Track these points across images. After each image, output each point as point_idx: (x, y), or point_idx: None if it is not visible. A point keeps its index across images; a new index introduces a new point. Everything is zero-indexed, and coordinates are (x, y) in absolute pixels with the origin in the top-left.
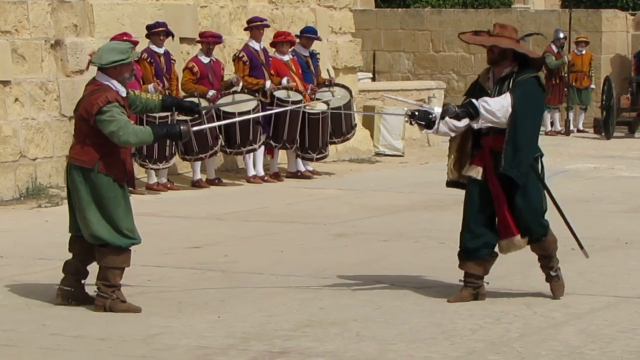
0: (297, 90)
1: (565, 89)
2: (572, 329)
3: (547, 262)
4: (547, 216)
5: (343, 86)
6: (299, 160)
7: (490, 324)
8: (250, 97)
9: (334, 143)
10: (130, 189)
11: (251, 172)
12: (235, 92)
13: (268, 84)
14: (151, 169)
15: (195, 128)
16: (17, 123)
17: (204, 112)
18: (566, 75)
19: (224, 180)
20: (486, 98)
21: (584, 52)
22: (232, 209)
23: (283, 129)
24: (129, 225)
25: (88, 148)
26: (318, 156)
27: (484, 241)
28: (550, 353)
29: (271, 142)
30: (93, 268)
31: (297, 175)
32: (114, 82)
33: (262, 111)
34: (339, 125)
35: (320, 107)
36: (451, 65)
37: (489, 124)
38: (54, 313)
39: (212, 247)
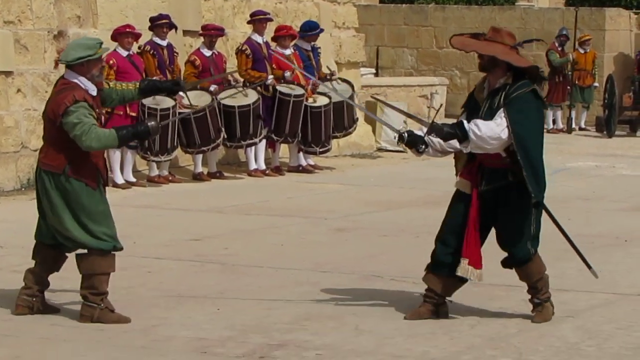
0: (299, 85)
1: (568, 87)
2: (570, 325)
3: (532, 292)
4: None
5: (345, 80)
6: (301, 155)
7: (488, 320)
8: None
9: (336, 137)
10: (131, 182)
11: (252, 165)
12: (237, 86)
13: (270, 78)
14: (153, 161)
15: (162, 123)
16: (19, 114)
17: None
18: (570, 73)
19: (226, 174)
20: (478, 121)
21: (587, 50)
22: (233, 202)
23: (285, 123)
24: (108, 230)
25: (57, 151)
26: (321, 150)
27: (450, 259)
28: (548, 349)
29: (273, 135)
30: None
31: (298, 169)
32: (83, 79)
33: (263, 105)
34: (341, 119)
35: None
36: (454, 61)
37: (478, 151)
38: (53, 303)
39: (212, 239)
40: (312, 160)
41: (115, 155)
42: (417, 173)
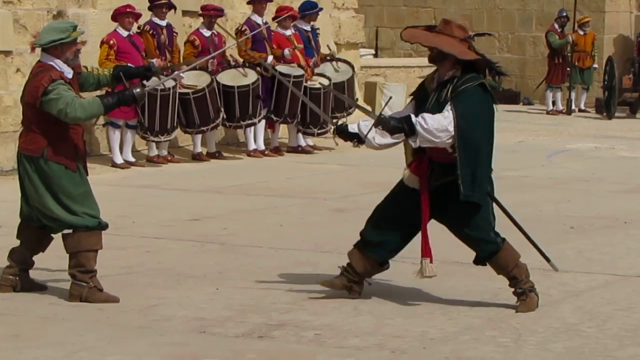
0: (299, 65)
1: (568, 69)
2: (569, 306)
3: (512, 283)
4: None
5: (345, 61)
6: (300, 135)
7: (487, 301)
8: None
9: (336, 118)
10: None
11: (252, 146)
12: (236, 66)
13: (270, 58)
14: (152, 141)
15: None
16: (18, 93)
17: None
18: (569, 54)
19: (225, 154)
20: (425, 115)
21: (587, 31)
22: (232, 182)
23: (284, 104)
24: (90, 210)
25: (35, 135)
26: (320, 131)
27: (381, 241)
28: (546, 330)
29: (272, 116)
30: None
31: (297, 150)
32: (58, 62)
33: (263, 85)
34: (340, 100)
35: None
36: None
37: (429, 144)
38: (53, 283)
39: (212, 220)
40: (311, 140)
41: (114, 135)
42: None
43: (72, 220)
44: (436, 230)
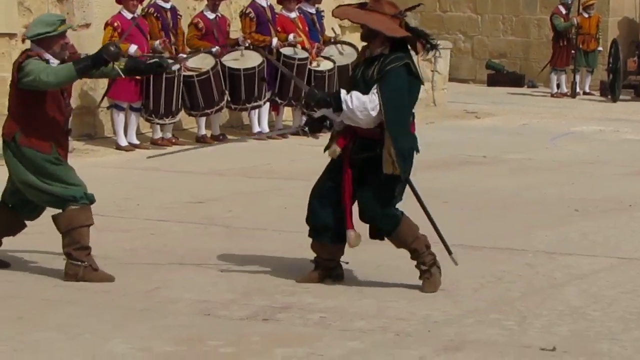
0: (303, 48)
1: (572, 51)
2: (573, 289)
3: (413, 256)
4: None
5: (350, 44)
6: (304, 118)
7: (492, 283)
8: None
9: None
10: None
11: (256, 128)
12: (238, 47)
13: (275, 41)
14: (157, 123)
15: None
16: None
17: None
18: (574, 37)
19: (229, 137)
20: (354, 93)
21: (591, 14)
22: (236, 165)
23: (289, 86)
24: (74, 181)
25: (10, 120)
26: None
27: (324, 224)
28: (551, 313)
29: (277, 99)
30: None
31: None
32: (46, 54)
33: (267, 68)
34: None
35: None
36: (458, 25)
37: (350, 123)
38: (57, 265)
39: (216, 202)
40: None
41: (119, 118)
42: (421, 137)
43: (57, 192)
44: (440, 210)
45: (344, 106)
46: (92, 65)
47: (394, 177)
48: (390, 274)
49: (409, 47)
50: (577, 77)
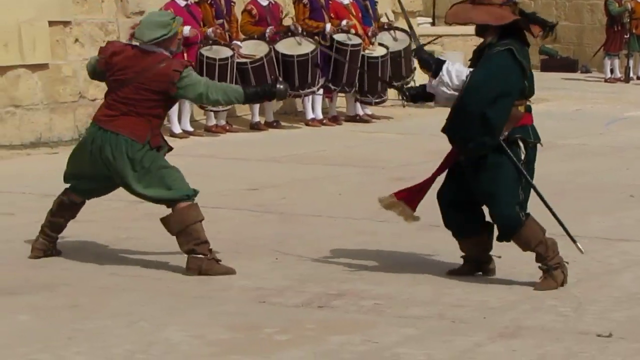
0: (356, 34)
1: (626, 36)
2: (630, 275)
3: (538, 258)
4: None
5: (403, 30)
6: (358, 104)
7: None
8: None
9: (393, 87)
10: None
11: (310, 115)
12: (294, 34)
13: (328, 27)
14: (210, 111)
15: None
16: (76, 63)
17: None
18: (627, 22)
19: (283, 123)
20: (457, 63)
21: None
22: (290, 151)
23: (342, 73)
24: (182, 180)
25: (139, 121)
26: (377, 100)
27: (457, 224)
28: (607, 299)
29: (330, 85)
30: None
31: (355, 118)
32: (165, 52)
33: (321, 54)
34: (398, 69)
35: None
36: None
37: (440, 94)
38: (112, 253)
39: (270, 189)
40: (369, 110)
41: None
42: None
43: (168, 195)
44: None
45: (443, 68)
46: (260, 98)
47: (501, 169)
48: (446, 260)
49: (525, 32)
50: (631, 62)
